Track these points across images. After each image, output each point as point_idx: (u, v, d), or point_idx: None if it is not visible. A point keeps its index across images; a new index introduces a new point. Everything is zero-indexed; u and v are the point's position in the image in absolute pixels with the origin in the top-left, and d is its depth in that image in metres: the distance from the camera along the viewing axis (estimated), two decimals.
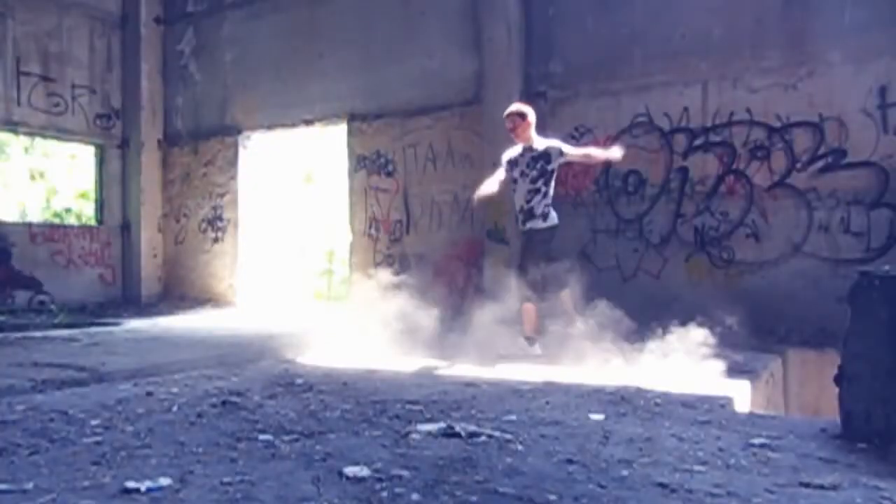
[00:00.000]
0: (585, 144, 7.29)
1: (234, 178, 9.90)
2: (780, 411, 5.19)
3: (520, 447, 2.54)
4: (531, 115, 5.39)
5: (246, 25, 9.84)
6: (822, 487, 2.08)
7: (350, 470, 2.21)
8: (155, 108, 10.55)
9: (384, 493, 2.01)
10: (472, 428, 2.77)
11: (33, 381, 3.88)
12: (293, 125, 9.41)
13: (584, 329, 5.15)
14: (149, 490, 2.03)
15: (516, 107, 5.50)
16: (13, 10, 9.37)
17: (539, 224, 5.42)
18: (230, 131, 9.92)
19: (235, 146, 9.88)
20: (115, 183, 10.56)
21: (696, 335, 5.98)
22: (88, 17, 10.19)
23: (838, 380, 2.75)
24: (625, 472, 2.23)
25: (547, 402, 3.39)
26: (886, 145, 5.90)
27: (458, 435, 2.68)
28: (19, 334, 6.31)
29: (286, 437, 2.67)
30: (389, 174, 8.53)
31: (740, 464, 2.35)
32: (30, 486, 2.08)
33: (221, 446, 2.55)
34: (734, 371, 4.58)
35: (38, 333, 6.45)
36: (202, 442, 2.61)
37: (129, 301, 10.28)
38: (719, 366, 4.71)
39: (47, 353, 4.94)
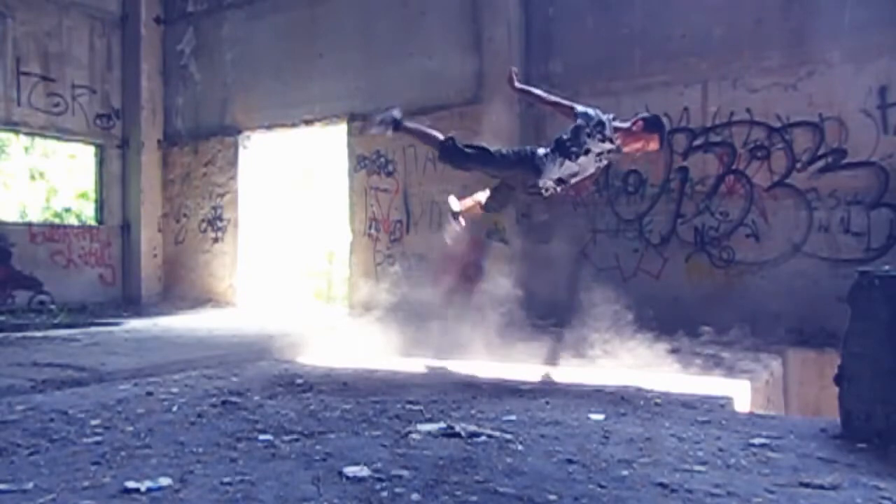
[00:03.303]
0: None
1: (234, 178, 9.90)
2: (780, 411, 5.19)
3: (520, 447, 2.54)
4: None
5: (246, 25, 9.84)
6: (822, 487, 2.08)
7: (350, 470, 2.21)
8: (155, 108, 10.55)
9: (384, 493, 2.01)
10: (472, 428, 2.77)
11: (33, 381, 3.88)
12: (293, 125, 9.41)
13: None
14: (149, 490, 2.03)
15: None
16: (13, 10, 9.38)
17: None
18: (230, 131, 9.93)
19: (235, 146, 9.88)
20: (115, 183, 10.56)
21: (696, 335, 5.99)
22: (88, 17, 10.19)
23: (838, 380, 2.75)
24: (625, 472, 2.23)
25: (547, 402, 3.39)
26: (886, 145, 5.89)
27: (458, 435, 2.68)
28: (19, 334, 6.32)
29: (286, 437, 2.67)
30: (389, 174, 8.54)
31: (740, 464, 2.35)
32: (30, 486, 2.08)
33: (221, 446, 2.55)
34: (734, 371, 4.58)
35: (38, 333, 6.45)
36: (202, 442, 2.61)
37: (129, 301, 10.28)
38: (719, 366, 4.72)
39: (47, 353, 4.93)
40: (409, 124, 4.51)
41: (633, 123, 4.19)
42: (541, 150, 4.26)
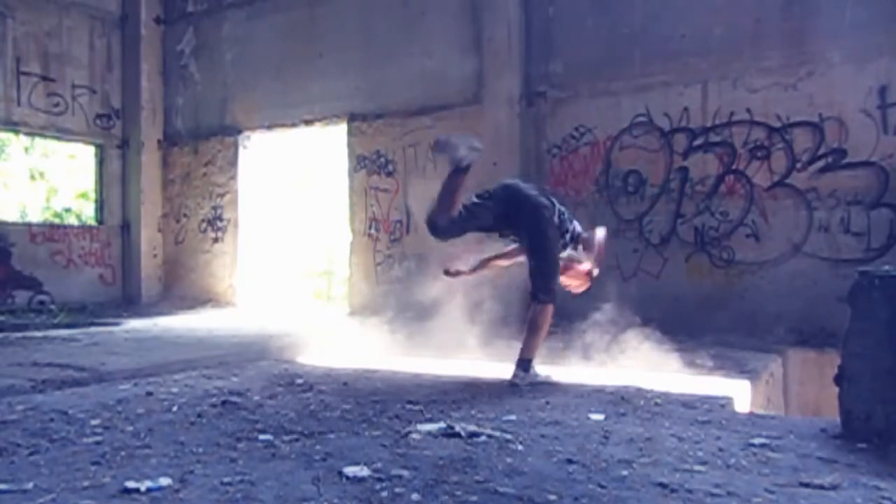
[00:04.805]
0: (585, 145, 7.30)
1: (234, 178, 9.90)
2: (780, 411, 5.19)
3: (520, 447, 2.54)
4: None
5: (246, 25, 9.84)
6: (822, 487, 2.08)
7: (350, 470, 2.21)
8: (155, 108, 10.55)
9: (384, 493, 2.01)
10: (472, 428, 2.77)
11: (33, 381, 3.88)
12: (293, 125, 9.42)
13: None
14: (149, 490, 2.03)
15: None
16: (13, 10, 9.38)
17: None
18: (230, 131, 9.93)
19: (235, 146, 9.88)
20: (115, 183, 10.56)
21: (696, 335, 5.99)
22: (88, 17, 10.19)
23: (838, 380, 2.75)
24: (625, 472, 2.23)
25: (547, 402, 3.39)
26: (886, 145, 5.90)
27: (458, 435, 2.68)
28: (19, 334, 6.32)
29: (286, 437, 2.67)
30: (389, 174, 8.54)
31: (740, 464, 2.35)
32: (30, 486, 2.08)
33: (221, 446, 2.55)
34: (734, 371, 4.58)
35: (38, 333, 6.46)
36: (202, 442, 2.61)
37: (129, 301, 10.28)
38: (719, 366, 4.71)
39: (47, 353, 4.94)
40: (461, 182, 4.01)
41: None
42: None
